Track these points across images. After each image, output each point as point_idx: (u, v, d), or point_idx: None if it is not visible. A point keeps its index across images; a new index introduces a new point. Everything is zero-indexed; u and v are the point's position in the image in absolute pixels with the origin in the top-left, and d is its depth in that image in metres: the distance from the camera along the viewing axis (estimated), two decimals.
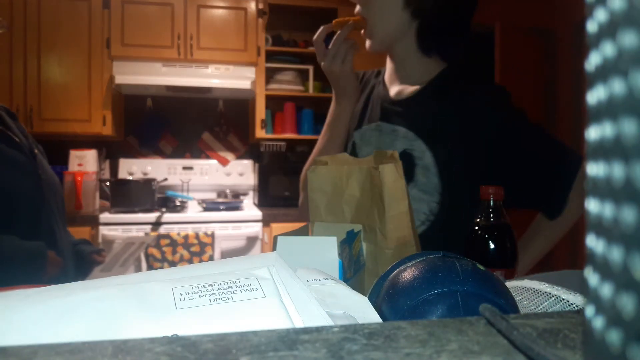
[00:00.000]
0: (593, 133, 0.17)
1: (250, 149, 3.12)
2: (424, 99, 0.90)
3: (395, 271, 0.40)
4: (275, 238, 0.55)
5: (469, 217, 0.67)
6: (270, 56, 2.88)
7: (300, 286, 0.33)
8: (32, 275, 1.00)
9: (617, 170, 0.15)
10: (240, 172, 3.00)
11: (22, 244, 1.01)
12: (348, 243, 0.61)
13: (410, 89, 0.93)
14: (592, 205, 0.17)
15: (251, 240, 2.48)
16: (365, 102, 1.00)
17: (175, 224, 2.40)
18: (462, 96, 0.88)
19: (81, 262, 1.19)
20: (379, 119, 0.94)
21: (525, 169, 0.86)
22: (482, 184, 0.73)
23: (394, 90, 0.96)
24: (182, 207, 2.57)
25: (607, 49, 0.16)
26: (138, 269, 2.30)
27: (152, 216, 2.37)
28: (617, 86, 0.15)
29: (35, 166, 1.14)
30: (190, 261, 2.30)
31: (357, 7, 0.91)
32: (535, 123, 0.88)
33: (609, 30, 0.15)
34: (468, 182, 0.82)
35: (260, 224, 2.49)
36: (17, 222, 1.05)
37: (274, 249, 0.55)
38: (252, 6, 2.79)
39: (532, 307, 0.42)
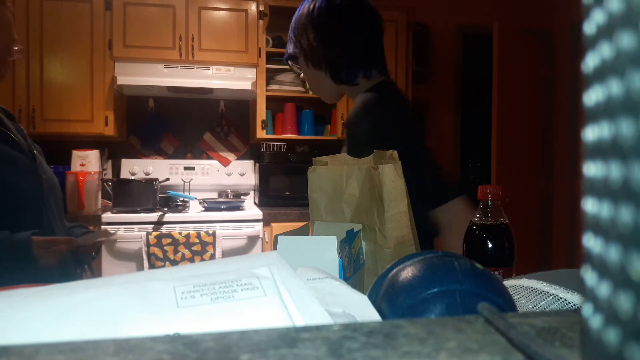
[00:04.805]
0: (590, 133, 0.17)
1: (251, 149, 3.12)
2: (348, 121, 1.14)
3: (395, 270, 0.41)
4: (275, 237, 0.56)
5: None
6: (270, 57, 2.87)
7: (300, 285, 0.33)
8: (23, 266, 1.00)
9: (615, 170, 0.15)
10: (241, 172, 3.01)
11: (7, 239, 1.00)
12: (348, 242, 0.62)
13: None
14: (590, 205, 0.17)
15: (252, 240, 2.48)
16: None
17: (177, 223, 2.40)
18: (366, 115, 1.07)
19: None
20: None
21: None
22: None
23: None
24: (183, 207, 2.57)
25: (605, 50, 0.16)
26: (140, 268, 2.30)
27: (153, 216, 2.37)
28: (615, 87, 0.15)
29: (35, 166, 1.15)
30: (191, 260, 2.30)
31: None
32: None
33: (607, 31, 0.16)
34: None
35: (260, 224, 2.49)
36: (21, 222, 1.06)
37: (274, 248, 0.55)
38: (253, 8, 2.79)
39: (530, 306, 0.42)
